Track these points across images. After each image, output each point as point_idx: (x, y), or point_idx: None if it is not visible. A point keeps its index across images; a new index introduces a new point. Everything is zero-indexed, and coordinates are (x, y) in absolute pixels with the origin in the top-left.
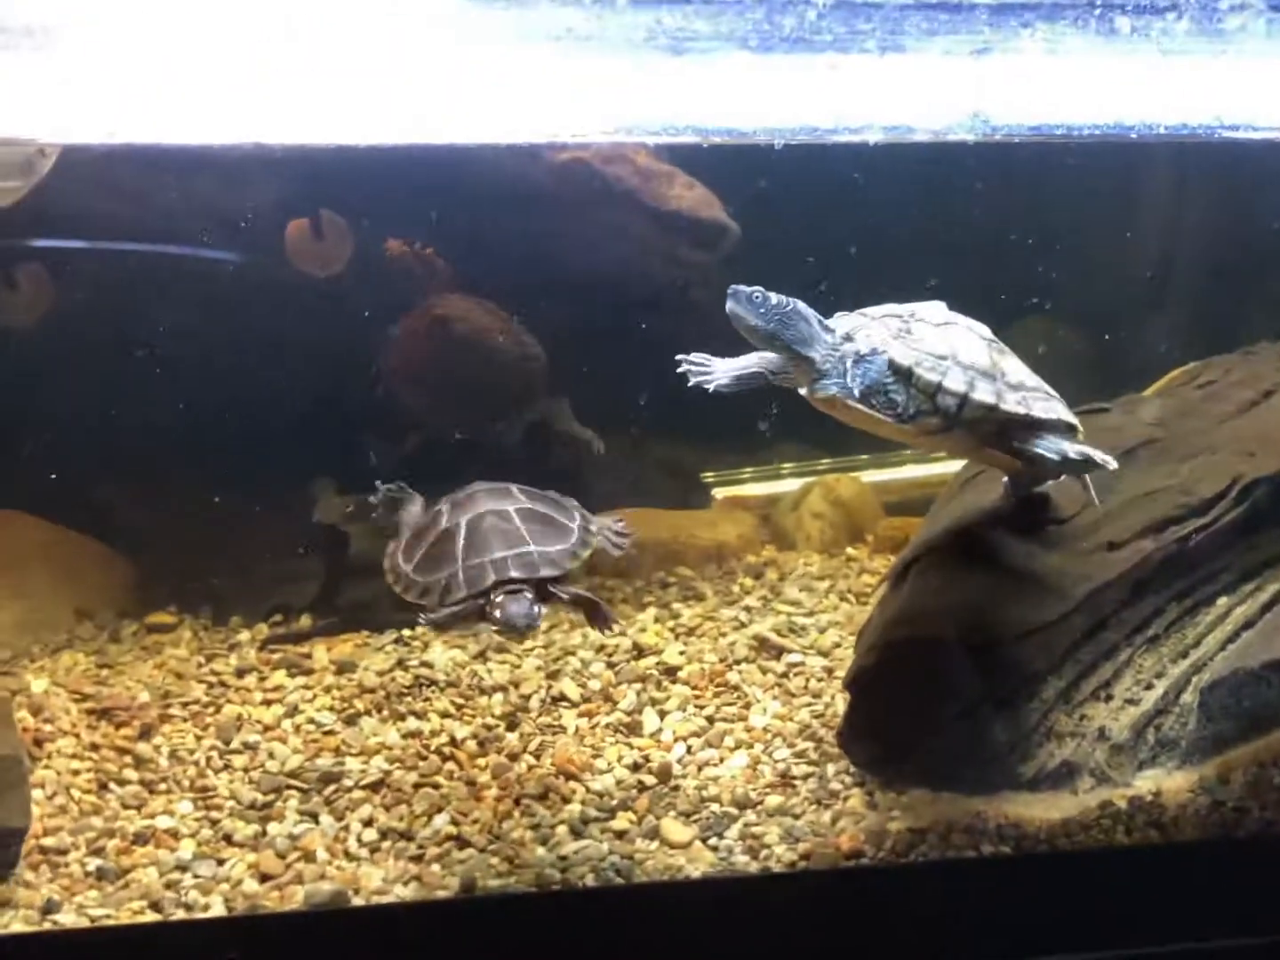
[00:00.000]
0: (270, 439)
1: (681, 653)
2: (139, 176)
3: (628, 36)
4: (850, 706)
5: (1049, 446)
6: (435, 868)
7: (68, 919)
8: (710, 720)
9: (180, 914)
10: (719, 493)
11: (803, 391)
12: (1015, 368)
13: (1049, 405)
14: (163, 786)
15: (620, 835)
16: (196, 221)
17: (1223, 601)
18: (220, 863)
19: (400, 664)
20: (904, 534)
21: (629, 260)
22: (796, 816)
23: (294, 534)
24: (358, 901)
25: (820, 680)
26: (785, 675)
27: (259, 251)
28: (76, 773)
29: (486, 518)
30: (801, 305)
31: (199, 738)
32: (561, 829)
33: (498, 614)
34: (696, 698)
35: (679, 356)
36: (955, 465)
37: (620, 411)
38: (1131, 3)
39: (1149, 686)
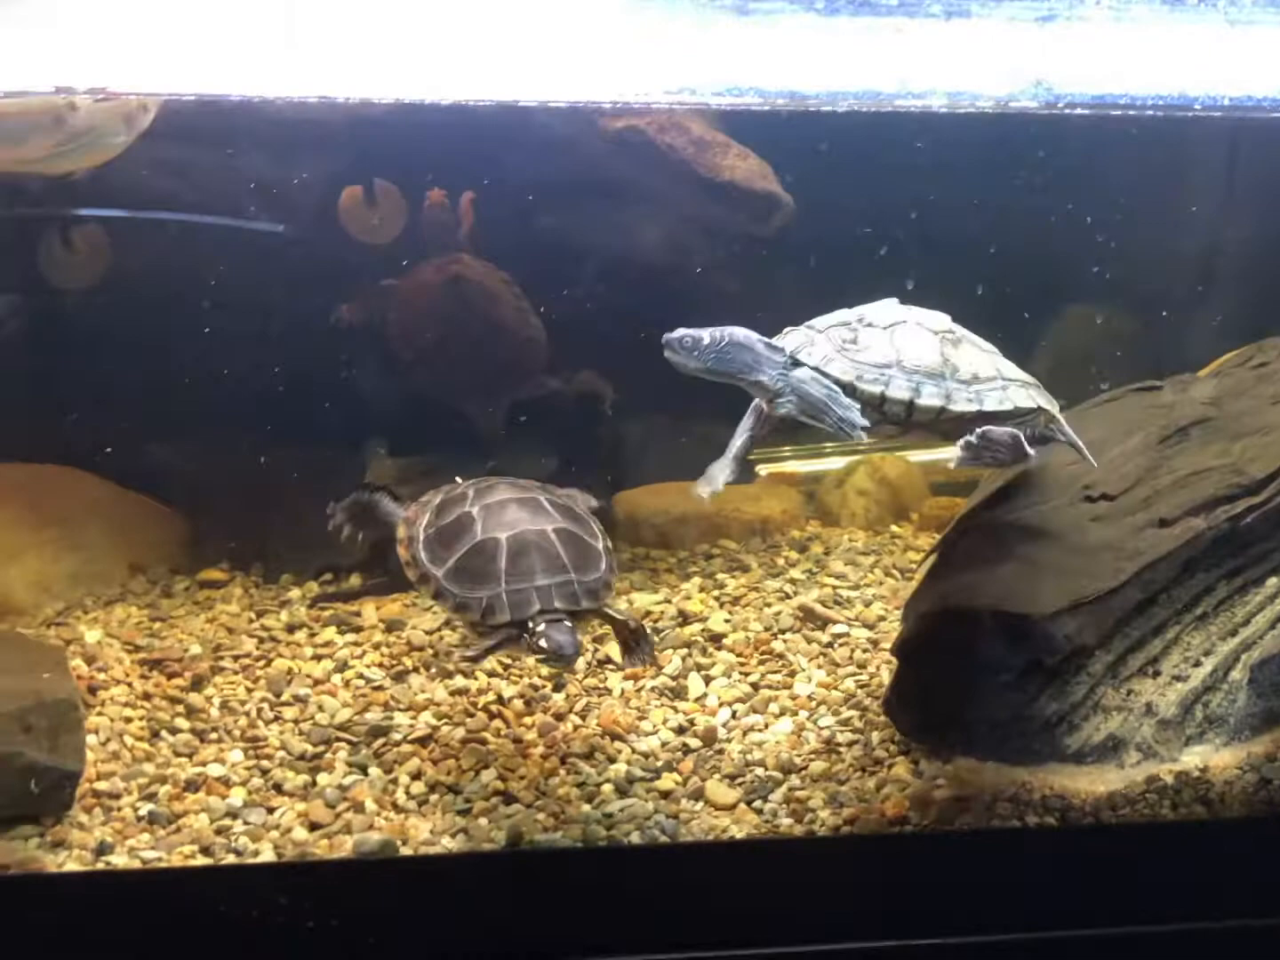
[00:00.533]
0: (323, 401)
1: (727, 621)
2: (209, 141)
3: None
4: (897, 674)
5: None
6: (482, 821)
7: (120, 860)
8: (755, 687)
9: (230, 859)
10: (762, 469)
11: (764, 407)
12: (969, 360)
13: (1004, 395)
14: (214, 736)
15: (665, 795)
16: (254, 186)
17: (1273, 581)
18: (270, 811)
19: (447, 623)
20: (949, 513)
21: (680, 231)
22: (841, 782)
23: (344, 495)
24: (406, 851)
25: (865, 651)
26: (830, 645)
27: (314, 217)
28: (129, 720)
29: (527, 535)
30: (740, 334)
31: (250, 690)
32: (607, 787)
33: (543, 643)
34: (741, 665)
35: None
36: None
37: (662, 386)
38: None
39: (1197, 664)
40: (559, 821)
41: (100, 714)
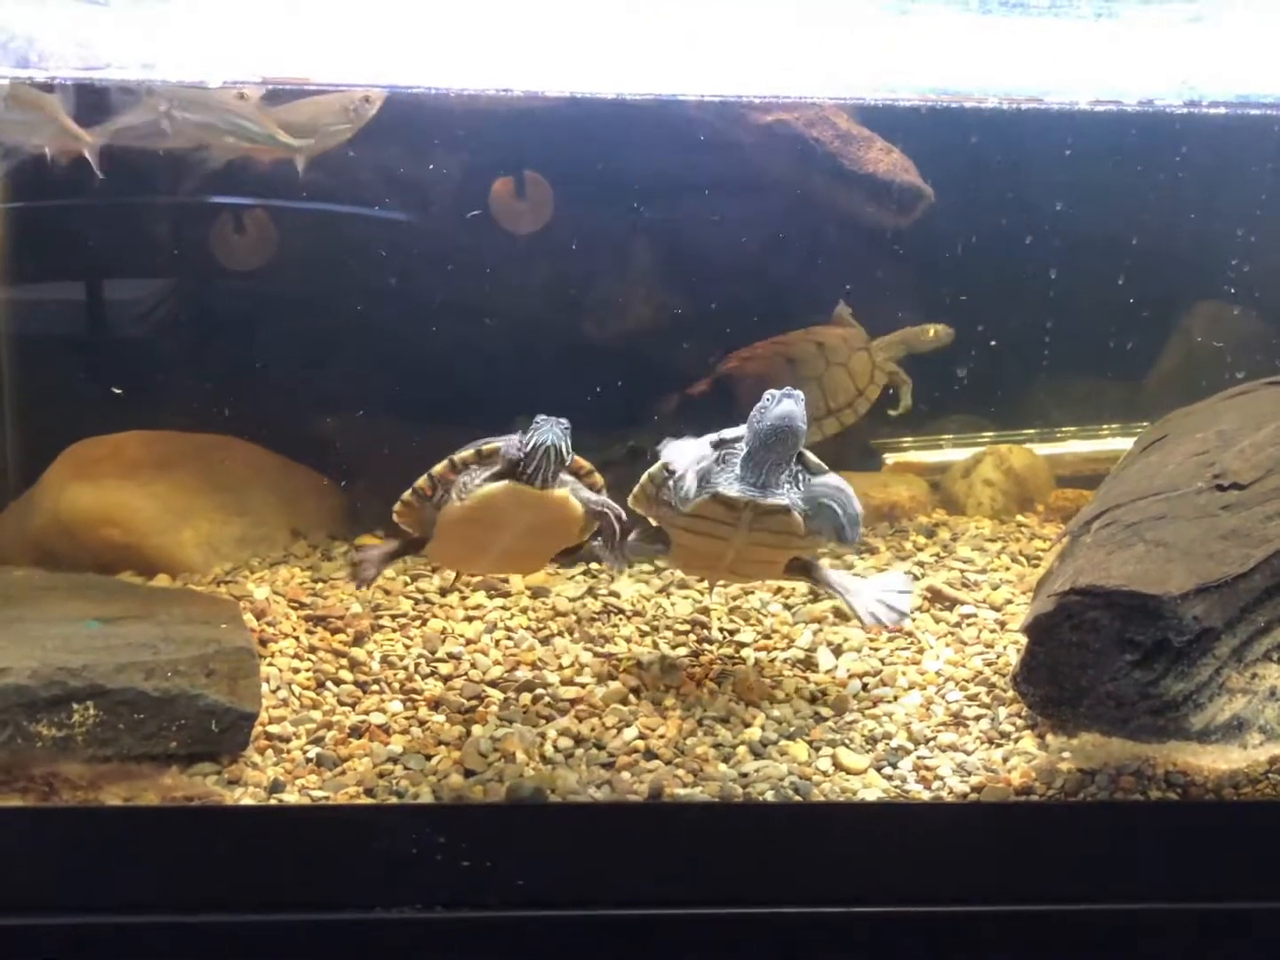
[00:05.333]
0: (474, 379)
1: None
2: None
3: None
4: (1027, 650)
5: None
6: (625, 775)
7: (290, 798)
8: (884, 662)
9: (392, 800)
10: (889, 457)
11: (734, 492)
12: None
13: None
14: (375, 687)
15: (798, 759)
16: (411, 177)
17: None
18: (428, 758)
19: (590, 592)
20: (1075, 505)
21: (824, 222)
22: (969, 753)
23: None
24: (554, 799)
25: (993, 632)
26: (958, 625)
27: (472, 206)
28: (296, 671)
29: None
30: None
31: (407, 646)
32: (742, 749)
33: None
34: (871, 641)
35: None
36: (1126, 441)
37: None
38: None
39: None
40: (697, 778)
41: (271, 664)
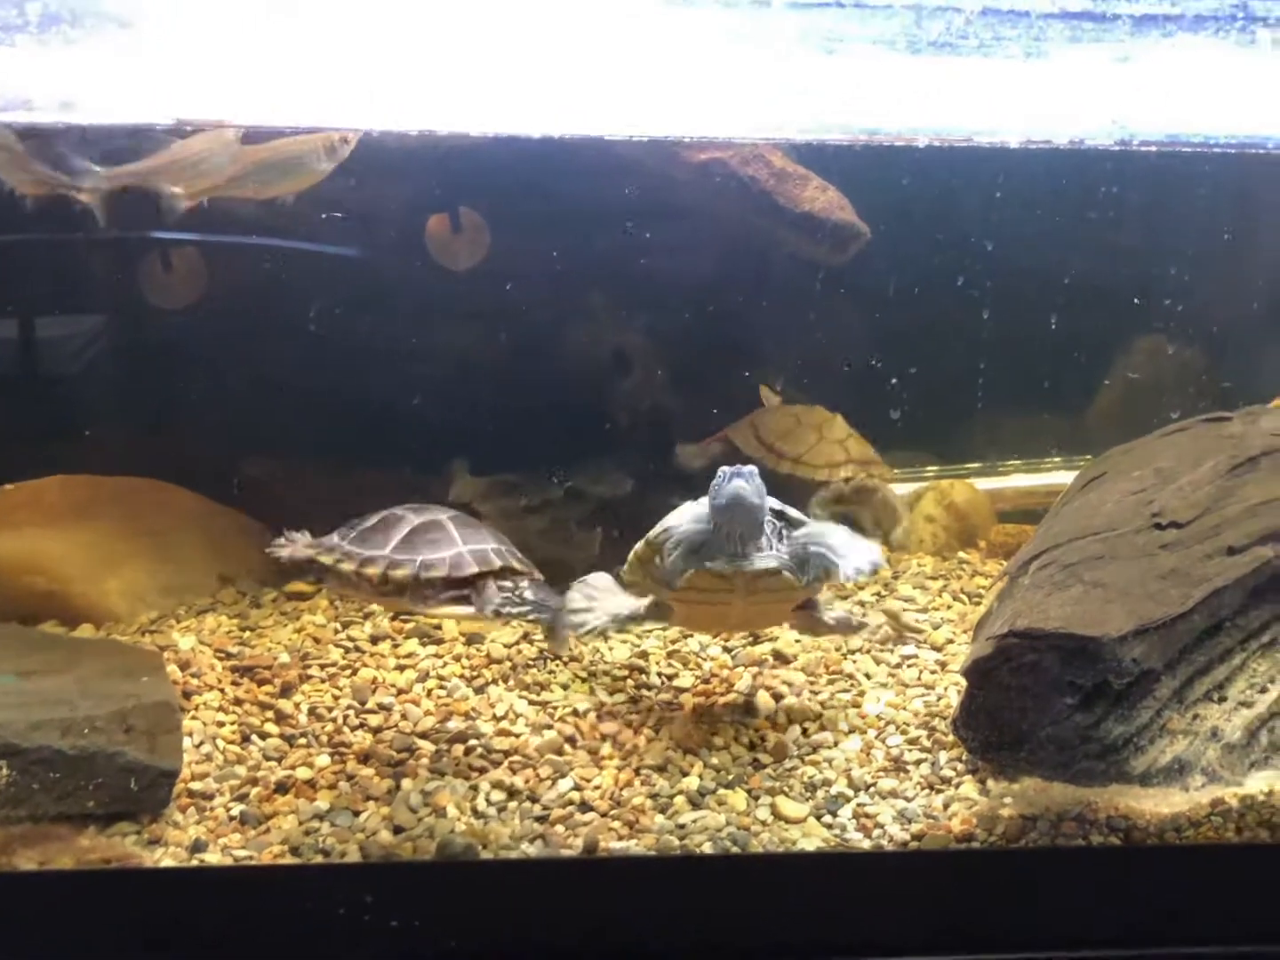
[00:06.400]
0: (408, 422)
1: (796, 640)
2: None
3: (781, 36)
4: (966, 694)
5: None
6: (559, 829)
7: (213, 858)
8: (824, 705)
9: (319, 859)
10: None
11: (719, 565)
12: None
13: None
14: (302, 740)
15: (736, 809)
16: (343, 214)
17: None
18: (356, 814)
19: (525, 638)
20: (1017, 540)
21: (761, 260)
22: (909, 799)
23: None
24: (486, 855)
25: (933, 673)
26: (899, 667)
27: (403, 245)
28: (221, 724)
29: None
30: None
31: (336, 697)
32: (679, 799)
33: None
34: (811, 684)
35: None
36: (1068, 475)
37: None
38: (1274, 15)
39: (1263, 690)
40: (633, 831)
41: (194, 718)
